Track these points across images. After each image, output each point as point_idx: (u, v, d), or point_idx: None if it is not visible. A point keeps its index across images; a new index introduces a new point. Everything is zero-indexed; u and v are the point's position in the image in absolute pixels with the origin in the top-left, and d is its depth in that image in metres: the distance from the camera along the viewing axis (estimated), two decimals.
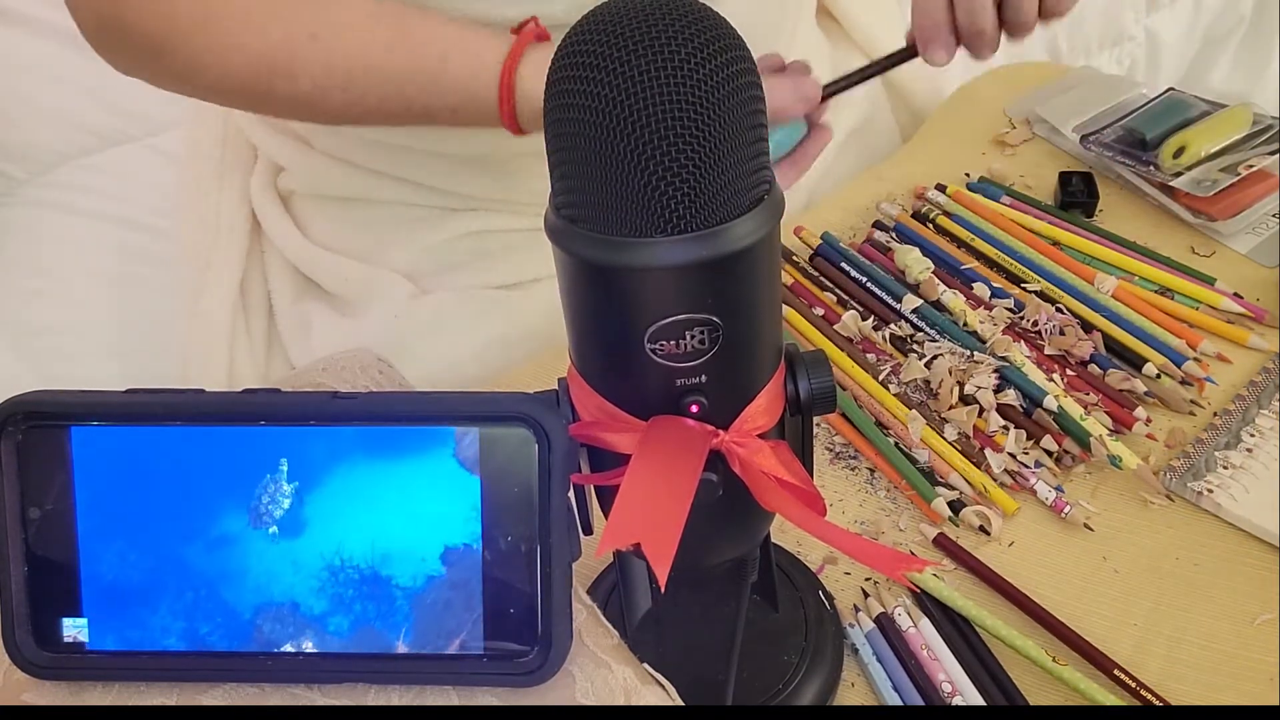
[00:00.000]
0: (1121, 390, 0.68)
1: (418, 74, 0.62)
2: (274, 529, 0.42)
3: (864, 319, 0.75)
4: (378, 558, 0.42)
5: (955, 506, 0.62)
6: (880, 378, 0.70)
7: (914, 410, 0.67)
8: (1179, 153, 0.83)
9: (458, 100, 0.63)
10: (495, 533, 0.42)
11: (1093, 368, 0.70)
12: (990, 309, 0.75)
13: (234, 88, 0.63)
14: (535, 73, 0.61)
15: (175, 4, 0.61)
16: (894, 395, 0.69)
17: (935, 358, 0.71)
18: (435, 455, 0.42)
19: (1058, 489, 0.63)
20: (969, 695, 0.53)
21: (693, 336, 0.37)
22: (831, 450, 0.68)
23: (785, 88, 0.61)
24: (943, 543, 0.61)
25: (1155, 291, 0.76)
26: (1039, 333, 0.73)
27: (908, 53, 0.71)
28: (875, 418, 0.68)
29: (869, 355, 0.73)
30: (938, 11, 0.68)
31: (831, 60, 0.95)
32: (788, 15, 0.84)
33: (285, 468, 0.42)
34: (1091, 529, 0.62)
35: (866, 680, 0.56)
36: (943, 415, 0.68)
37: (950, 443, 0.66)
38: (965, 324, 0.74)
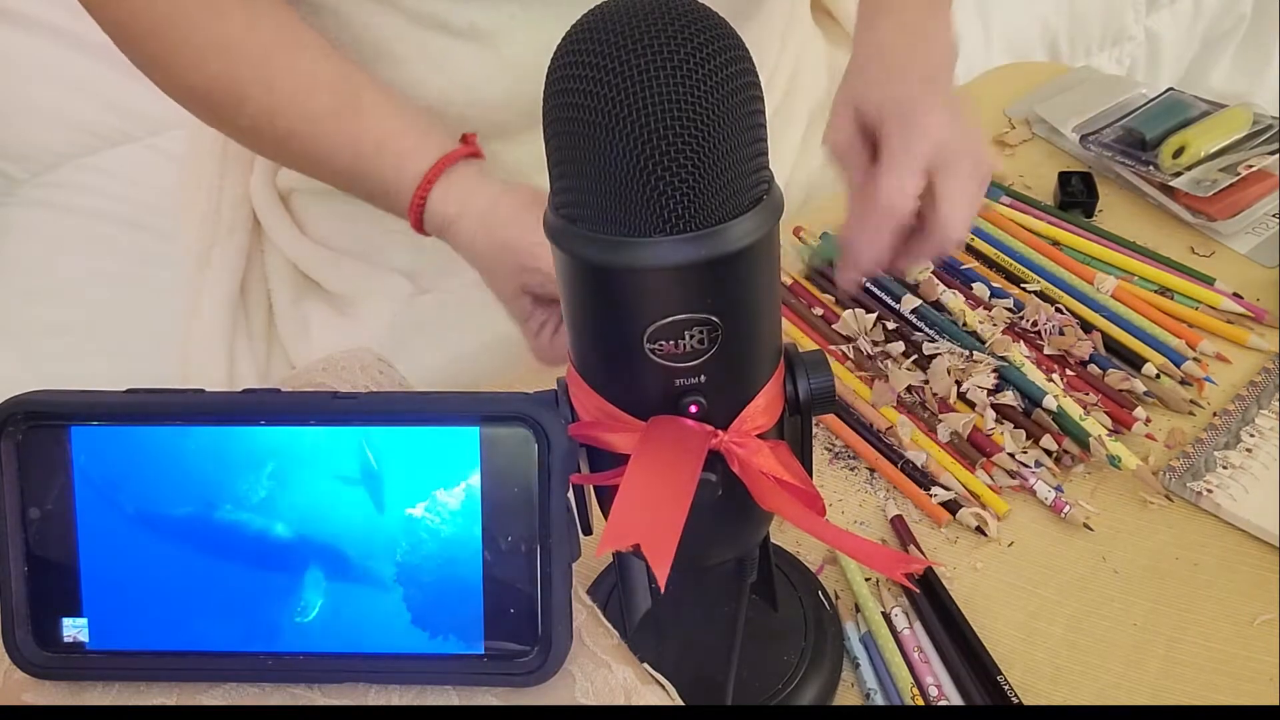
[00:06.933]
0: (1121, 390, 0.68)
1: (349, 151, 0.64)
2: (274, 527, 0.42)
3: None
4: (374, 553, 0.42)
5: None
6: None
7: (905, 415, 0.67)
8: (1179, 153, 0.83)
9: (375, 191, 0.66)
10: (495, 533, 0.42)
11: (1092, 368, 0.70)
12: (990, 309, 0.75)
13: (184, 97, 0.66)
14: (444, 196, 0.63)
15: (135, 5, 0.63)
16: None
17: (934, 358, 0.71)
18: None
19: (1057, 489, 0.63)
20: (953, 698, 0.53)
21: (692, 337, 0.37)
22: (831, 450, 0.68)
23: None
24: (897, 526, 0.62)
25: (1155, 291, 0.76)
26: (1038, 333, 0.73)
27: None
28: (870, 421, 0.68)
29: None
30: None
31: (829, 60, 0.95)
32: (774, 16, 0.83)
33: (285, 467, 0.42)
34: (1091, 529, 0.62)
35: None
36: (941, 416, 0.68)
37: (945, 444, 0.66)
38: (965, 324, 0.74)
